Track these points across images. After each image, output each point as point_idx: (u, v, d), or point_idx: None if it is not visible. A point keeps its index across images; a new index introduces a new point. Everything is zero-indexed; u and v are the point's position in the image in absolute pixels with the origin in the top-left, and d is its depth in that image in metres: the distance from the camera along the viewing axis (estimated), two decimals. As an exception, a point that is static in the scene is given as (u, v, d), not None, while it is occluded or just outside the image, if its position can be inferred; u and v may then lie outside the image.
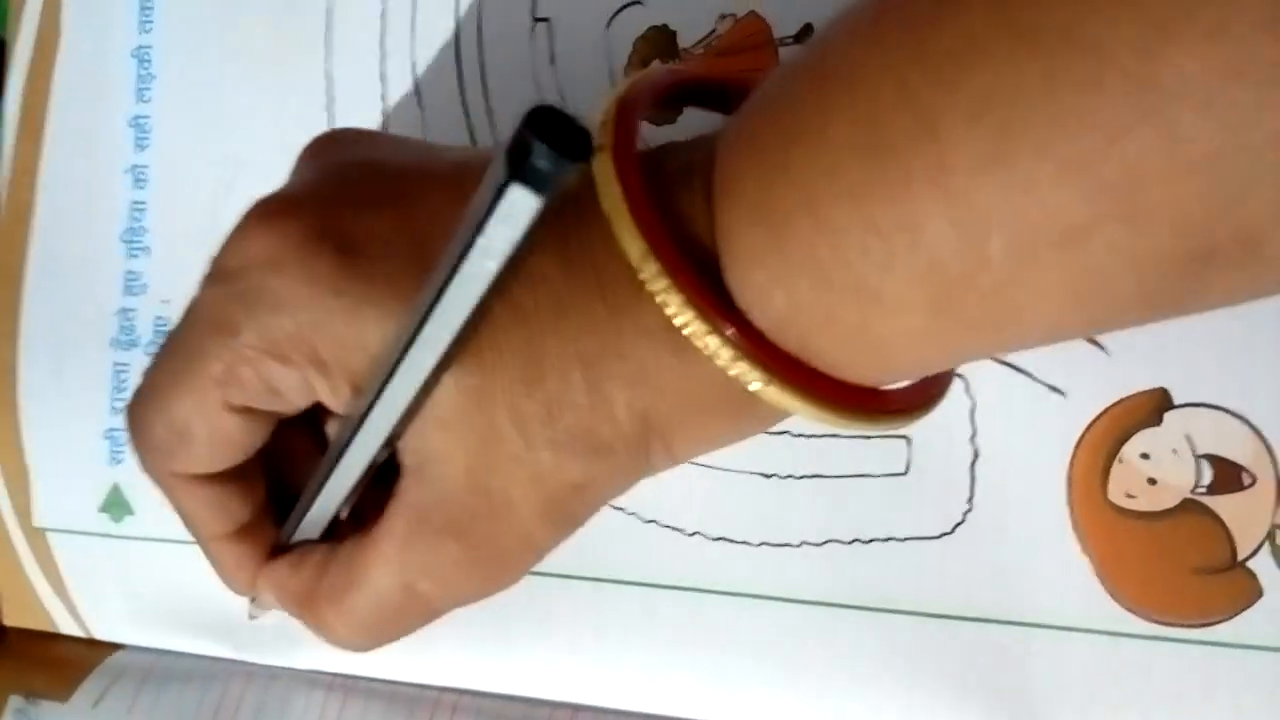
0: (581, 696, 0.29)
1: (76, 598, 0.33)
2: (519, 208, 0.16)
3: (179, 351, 0.22)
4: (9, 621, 0.34)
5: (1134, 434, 0.27)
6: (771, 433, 0.29)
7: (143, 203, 0.32)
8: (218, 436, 0.22)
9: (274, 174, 0.31)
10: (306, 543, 0.24)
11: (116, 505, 0.32)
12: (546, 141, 0.15)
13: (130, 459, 0.32)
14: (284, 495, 0.25)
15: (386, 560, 0.21)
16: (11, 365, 0.33)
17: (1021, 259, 0.16)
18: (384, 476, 0.22)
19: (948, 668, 0.27)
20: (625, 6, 0.29)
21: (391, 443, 0.21)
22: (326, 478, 0.22)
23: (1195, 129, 0.15)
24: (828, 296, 0.18)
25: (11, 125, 0.33)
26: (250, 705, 0.31)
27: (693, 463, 0.29)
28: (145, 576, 0.32)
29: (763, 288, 0.18)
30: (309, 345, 0.20)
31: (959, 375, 0.28)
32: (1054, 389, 0.27)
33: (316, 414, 0.23)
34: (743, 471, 0.29)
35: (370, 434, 0.20)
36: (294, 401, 0.21)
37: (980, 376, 0.28)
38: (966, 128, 0.16)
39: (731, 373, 0.18)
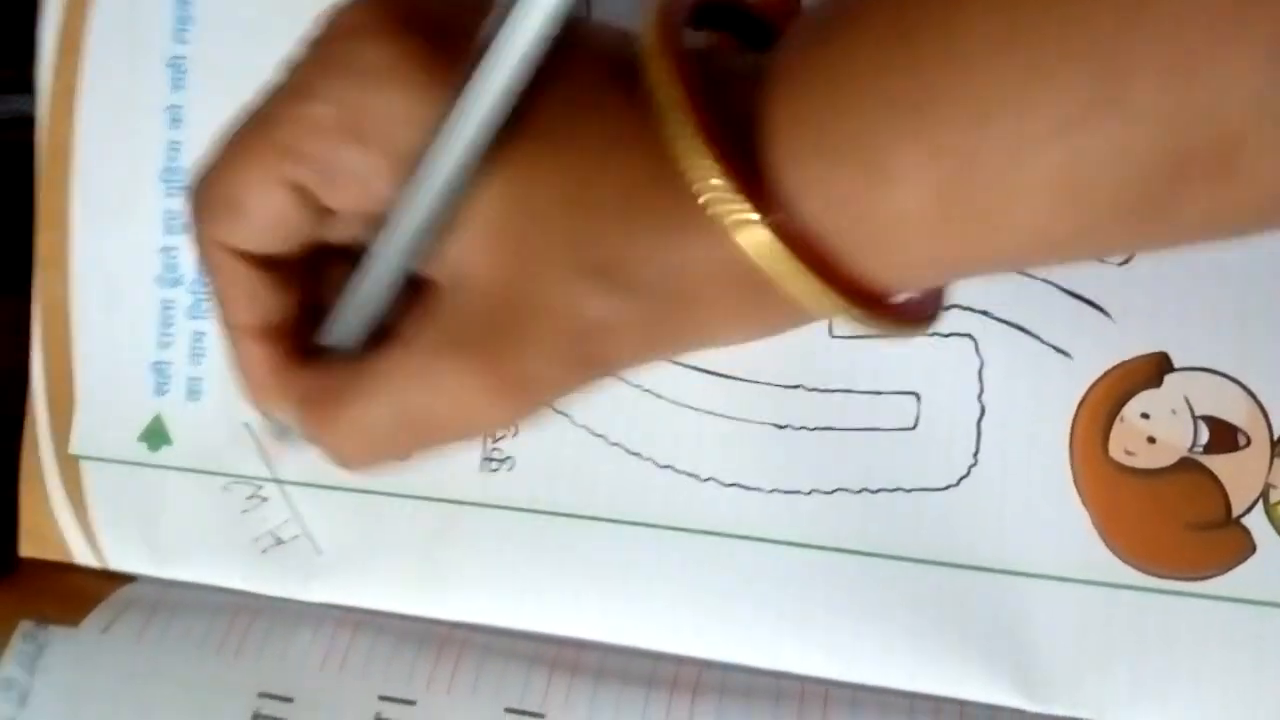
0: (592, 633, 0.30)
1: (97, 527, 0.33)
2: None
3: (251, 119, 0.22)
4: (26, 552, 0.34)
5: (1135, 394, 0.28)
6: (785, 385, 0.30)
7: (179, 142, 0.33)
8: (269, 210, 0.22)
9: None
10: (333, 357, 0.24)
11: (156, 435, 0.33)
12: None
13: (174, 391, 0.33)
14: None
15: (404, 370, 0.21)
16: (65, 299, 0.33)
17: (1020, 144, 0.17)
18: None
19: (950, 614, 0.28)
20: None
21: (425, 246, 0.21)
22: (363, 278, 0.22)
23: (1185, 30, 0.16)
24: (839, 173, 0.18)
25: (48, 64, 0.34)
26: (256, 636, 0.32)
27: (708, 411, 0.30)
28: (171, 506, 0.33)
29: (781, 162, 0.19)
30: (380, 123, 0.20)
31: (969, 336, 0.29)
32: (1059, 350, 0.28)
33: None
34: (757, 421, 0.30)
35: (408, 228, 0.20)
36: (346, 194, 0.21)
37: (989, 337, 0.29)
38: (979, 15, 0.17)
39: (742, 240, 0.19)
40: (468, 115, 0.19)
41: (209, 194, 0.22)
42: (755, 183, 0.19)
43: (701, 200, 0.19)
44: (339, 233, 0.23)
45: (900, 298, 0.21)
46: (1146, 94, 0.16)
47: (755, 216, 0.19)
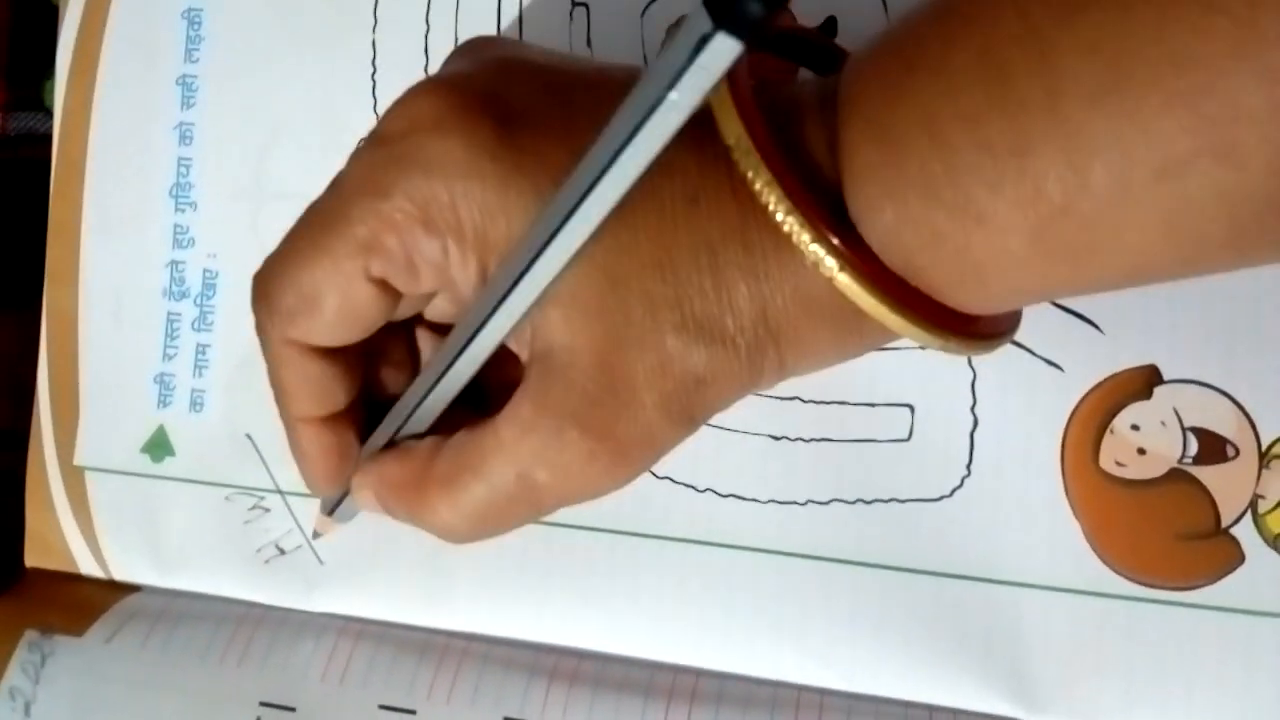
0: (590, 643, 0.30)
1: (102, 537, 0.34)
2: (721, 55, 0.16)
3: (321, 217, 0.22)
4: (31, 562, 0.34)
5: (1125, 407, 0.29)
6: (781, 397, 0.30)
7: (189, 159, 0.33)
8: (348, 306, 0.22)
9: (315, 138, 0.33)
10: (409, 439, 0.24)
11: (159, 446, 0.34)
12: None
13: (177, 403, 0.33)
14: (370, 406, 0.25)
15: (505, 447, 0.22)
16: (72, 311, 0.34)
17: (1121, 189, 0.17)
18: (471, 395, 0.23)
19: (944, 624, 0.29)
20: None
21: (519, 327, 0.21)
22: (450, 363, 0.22)
23: None
24: (935, 214, 0.19)
25: (63, 78, 0.34)
26: (259, 646, 0.32)
27: (706, 424, 0.31)
28: (174, 517, 0.33)
29: (874, 201, 0.19)
30: (455, 212, 0.21)
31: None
32: (1051, 363, 0.29)
33: (411, 326, 0.24)
34: (753, 433, 0.30)
35: (506, 313, 0.21)
36: (426, 281, 0.22)
37: (982, 351, 0.29)
38: (1081, 60, 0.17)
39: (836, 281, 0.19)
40: (581, 212, 0.19)
41: (283, 292, 0.22)
42: (845, 227, 0.19)
43: (804, 250, 0.19)
44: (402, 314, 0.24)
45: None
46: (1253, 138, 0.16)
47: (849, 263, 0.19)
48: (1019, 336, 0.29)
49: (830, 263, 0.19)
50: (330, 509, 0.28)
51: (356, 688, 0.31)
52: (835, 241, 0.19)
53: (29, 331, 0.35)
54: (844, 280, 0.19)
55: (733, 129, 0.20)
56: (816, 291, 0.20)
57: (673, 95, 0.17)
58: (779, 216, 0.19)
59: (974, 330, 0.21)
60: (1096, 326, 0.29)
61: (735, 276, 0.20)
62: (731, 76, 0.20)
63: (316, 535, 0.28)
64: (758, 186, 0.19)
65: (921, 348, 0.23)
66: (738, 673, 0.30)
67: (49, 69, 0.34)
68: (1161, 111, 0.17)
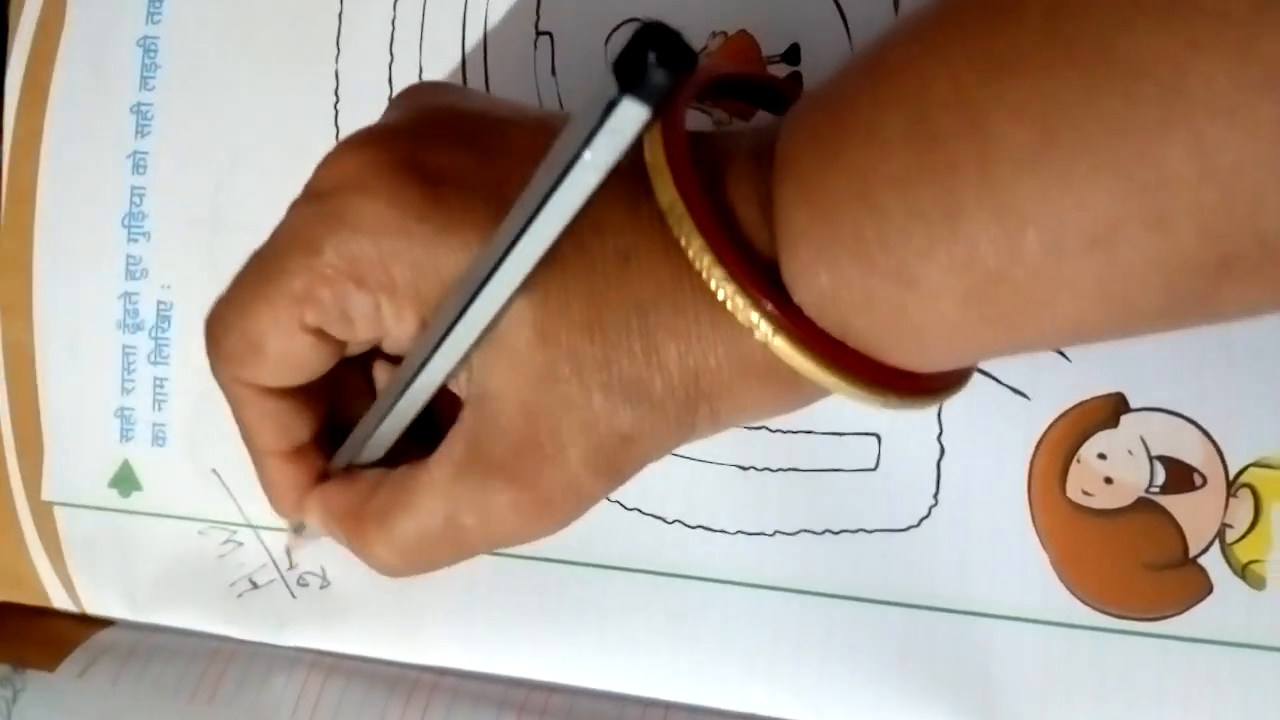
0: (560, 677, 0.30)
1: (74, 571, 0.34)
2: (629, 120, 0.16)
3: (262, 266, 0.22)
4: (3, 597, 0.34)
5: (1092, 435, 0.28)
6: (749, 428, 0.30)
7: (142, 188, 0.33)
8: (288, 353, 0.23)
9: (276, 168, 0.32)
10: (360, 469, 0.25)
11: (125, 481, 0.33)
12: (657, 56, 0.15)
13: (139, 438, 0.33)
14: (337, 430, 0.25)
15: (436, 488, 0.22)
16: (29, 345, 0.34)
17: (1054, 255, 0.17)
18: (421, 428, 0.23)
19: (913, 655, 0.29)
20: (623, 23, 0.31)
21: (455, 373, 0.22)
22: (391, 404, 0.23)
23: (1220, 138, 0.16)
24: (869, 280, 0.19)
25: (12, 106, 0.34)
26: (231, 682, 0.32)
27: (674, 454, 0.30)
28: (145, 552, 0.33)
29: (808, 265, 0.19)
30: (386, 270, 0.21)
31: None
32: (1017, 391, 0.29)
33: (369, 357, 0.24)
34: (721, 463, 0.30)
35: (441, 361, 0.21)
36: (362, 331, 0.22)
37: (949, 378, 0.29)
38: (1011, 125, 0.17)
39: (771, 345, 0.19)
40: (513, 254, 0.19)
41: (228, 338, 0.23)
42: (779, 291, 0.19)
43: (738, 315, 0.19)
44: (354, 353, 0.24)
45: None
46: (1183, 205, 0.16)
47: (783, 326, 0.19)
48: (985, 365, 0.29)
49: (765, 328, 0.19)
50: (299, 528, 0.29)
51: (328, 723, 0.31)
52: (769, 307, 0.19)
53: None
54: (779, 344, 0.19)
55: (666, 193, 0.20)
56: (751, 353, 0.20)
57: (586, 155, 0.17)
58: (713, 283, 0.19)
59: (917, 387, 0.20)
60: (1063, 354, 0.28)
61: (665, 338, 0.20)
62: (667, 133, 0.20)
63: (289, 554, 0.29)
64: (691, 252, 0.19)
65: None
66: (707, 705, 0.30)
67: (2, 97, 0.34)
68: (1091, 178, 0.16)
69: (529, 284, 0.20)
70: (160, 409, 0.33)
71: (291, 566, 0.32)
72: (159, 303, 0.33)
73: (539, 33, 0.31)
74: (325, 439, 0.26)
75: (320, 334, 0.22)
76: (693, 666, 0.30)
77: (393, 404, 0.23)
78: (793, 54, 0.30)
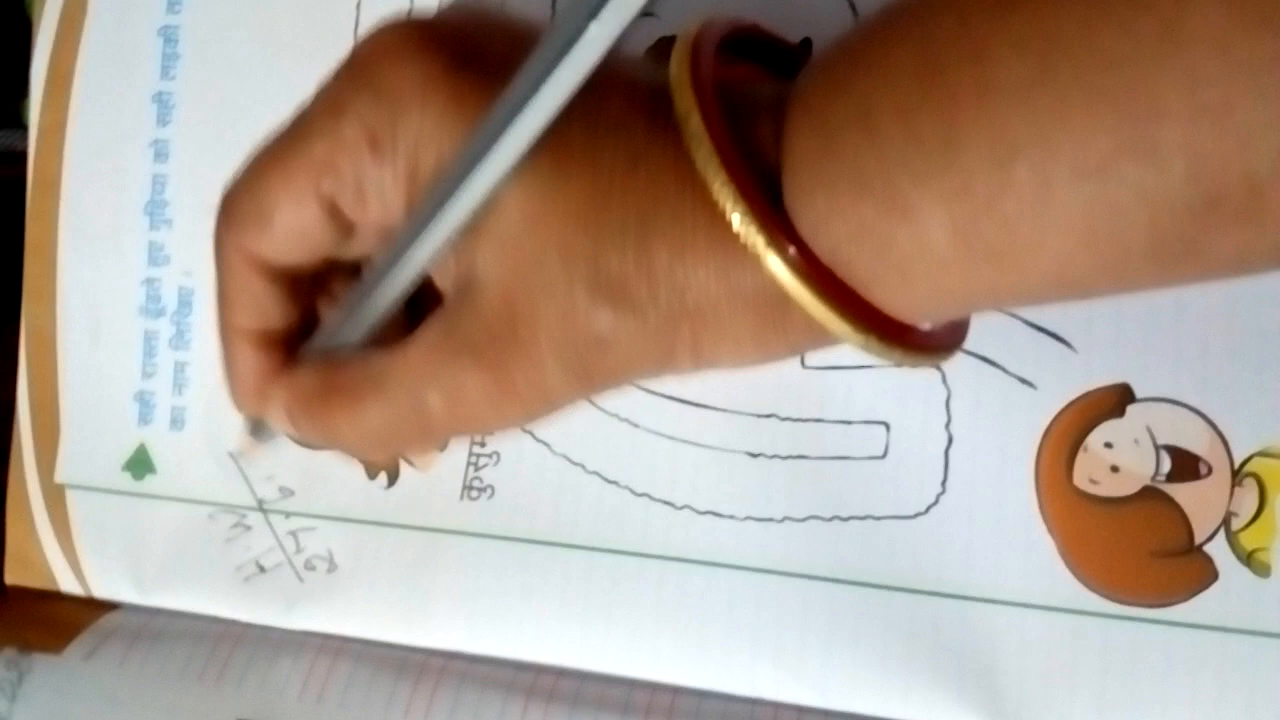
0: (568, 660, 0.30)
1: (82, 554, 0.34)
2: (627, 5, 0.16)
3: (285, 133, 0.23)
4: (11, 580, 0.34)
5: (1098, 424, 0.29)
6: (758, 414, 0.30)
7: (165, 176, 0.33)
8: (297, 223, 0.22)
9: (293, 154, 0.32)
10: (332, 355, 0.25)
11: (140, 464, 0.34)
12: None
13: (158, 421, 0.33)
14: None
15: (406, 367, 0.22)
16: (51, 329, 0.34)
17: (1043, 186, 0.17)
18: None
19: (920, 641, 0.29)
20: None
21: (440, 256, 0.22)
22: (373, 286, 0.23)
23: (1214, 73, 0.16)
24: (862, 206, 0.19)
25: (37, 96, 0.34)
26: (238, 665, 0.32)
27: (683, 440, 0.31)
28: (154, 535, 0.33)
29: (807, 189, 0.19)
30: (399, 139, 0.21)
31: (936, 367, 0.30)
32: (1024, 381, 0.29)
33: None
34: (730, 450, 0.30)
35: (428, 242, 0.21)
36: (373, 209, 0.22)
37: (955, 369, 0.29)
38: (1010, 54, 0.17)
39: (764, 262, 0.19)
40: (504, 139, 0.19)
41: (240, 202, 0.23)
42: (779, 213, 0.20)
43: (733, 225, 0.19)
44: (354, 250, 0.24)
45: (923, 327, 0.21)
46: (1173, 139, 0.16)
47: (777, 246, 0.19)
48: (991, 354, 0.30)
49: (760, 242, 0.19)
50: (255, 430, 0.28)
51: (334, 705, 0.31)
52: (765, 222, 0.19)
53: (8, 349, 0.35)
54: (771, 261, 0.19)
55: (685, 101, 0.20)
56: (742, 275, 0.20)
57: (594, 27, 0.17)
58: (715, 189, 0.19)
59: (901, 335, 0.21)
60: (1069, 344, 0.29)
61: (659, 245, 0.20)
62: (695, 58, 0.21)
63: (241, 455, 0.28)
64: (699, 160, 0.20)
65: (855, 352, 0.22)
66: (714, 690, 0.30)
67: (28, 86, 0.34)
68: (1085, 109, 0.17)
69: (527, 171, 0.20)
70: (181, 393, 0.33)
71: (248, 464, 0.32)
72: (180, 288, 0.33)
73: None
74: (296, 343, 0.25)
75: (333, 208, 0.22)
76: (700, 651, 0.30)
77: (375, 285, 0.23)
78: (804, 49, 0.30)
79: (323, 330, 0.25)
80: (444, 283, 0.23)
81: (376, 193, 0.22)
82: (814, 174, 0.19)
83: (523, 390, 0.22)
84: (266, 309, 0.24)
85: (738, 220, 0.19)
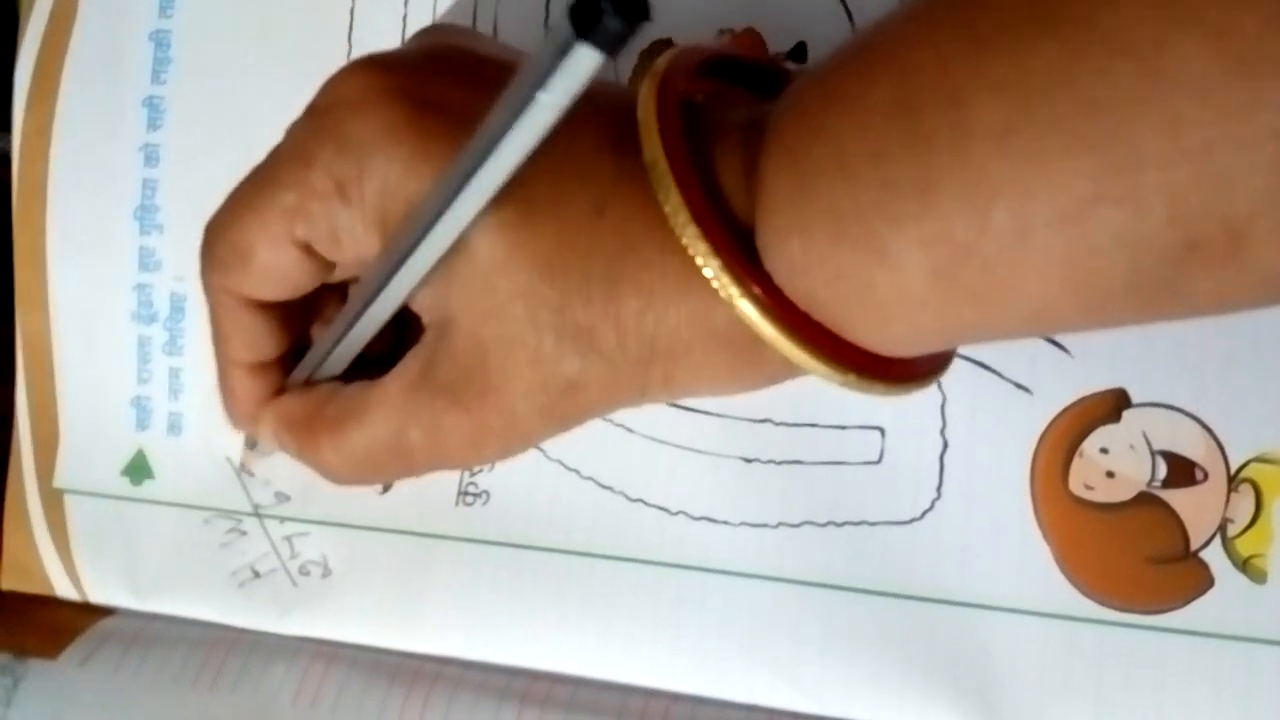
0: (563, 667, 0.30)
1: (79, 560, 0.34)
2: (583, 63, 0.17)
3: (259, 178, 0.23)
4: (7, 585, 0.34)
5: (1094, 430, 0.29)
6: (753, 419, 0.30)
7: (155, 181, 0.33)
8: (275, 265, 0.23)
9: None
10: (317, 383, 0.26)
11: (138, 469, 0.34)
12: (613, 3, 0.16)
13: (155, 426, 0.33)
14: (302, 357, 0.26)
15: (388, 401, 0.23)
16: (45, 336, 0.34)
17: (1022, 231, 0.17)
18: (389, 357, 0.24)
19: (915, 647, 0.29)
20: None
21: (411, 297, 0.22)
22: (350, 322, 0.23)
23: (1194, 118, 0.16)
24: (839, 250, 0.19)
25: (22, 99, 0.34)
26: (232, 671, 0.32)
27: (678, 445, 0.31)
28: (152, 540, 0.33)
29: (782, 232, 0.19)
30: (361, 188, 0.22)
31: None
32: (1020, 386, 0.29)
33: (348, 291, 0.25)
34: (725, 455, 0.30)
35: (397, 283, 0.22)
36: (349, 250, 0.23)
37: (951, 373, 0.29)
38: (989, 99, 0.17)
39: (736, 307, 0.19)
40: (469, 187, 0.20)
41: (220, 244, 0.24)
42: (751, 259, 0.20)
43: (705, 272, 0.19)
44: (340, 276, 0.24)
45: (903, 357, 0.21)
46: (1152, 185, 0.16)
47: (750, 295, 0.19)
48: (988, 359, 0.29)
49: (732, 289, 0.19)
50: (253, 444, 0.29)
51: (328, 711, 0.31)
52: (739, 269, 0.19)
53: (5, 355, 0.35)
54: (744, 307, 0.19)
55: (651, 149, 0.20)
56: (714, 317, 0.20)
57: (542, 96, 0.18)
58: (684, 239, 0.19)
59: (881, 370, 0.20)
60: (1065, 350, 0.29)
61: (627, 292, 0.21)
62: (661, 93, 0.20)
63: (244, 466, 0.29)
64: (668, 208, 0.20)
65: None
66: (710, 696, 0.30)
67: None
68: (1063, 155, 0.17)
69: (495, 216, 0.20)
70: (177, 399, 0.33)
71: (251, 475, 0.32)
72: (173, 294, 0.33)
73: (550, 28, 0.31)
74: (290, 363, 0.26)
75: (308, 250, 0.23)
76: (695, 657, 0.30)
77: (351, 322, 0.24)
78: (799, 52, 0.30)
79: (309, 357, 0.25)
80: (424, 315, 0.23)
81: (349, 235, 0.22)
82: (790, 217, 0.19)
83: (497, 430, 0.22)
84: (258, 341, 0.25)
85: (709, 268, 0.19)
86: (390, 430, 0.23)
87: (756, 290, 0.19)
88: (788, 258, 0.19)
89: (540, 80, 0.17)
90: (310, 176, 0.22)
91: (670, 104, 0.20)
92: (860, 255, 0.19)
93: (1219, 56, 0.16)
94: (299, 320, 0.26)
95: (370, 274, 0.23)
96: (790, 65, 0.30)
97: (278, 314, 0.25)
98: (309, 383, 0.26)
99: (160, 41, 0.33)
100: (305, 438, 0.25)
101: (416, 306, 0.23)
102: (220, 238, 0.24)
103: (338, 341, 0.24)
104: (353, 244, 0.23)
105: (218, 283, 0.24)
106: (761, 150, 0.20)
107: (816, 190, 0.19)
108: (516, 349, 0.21)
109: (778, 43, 0.30)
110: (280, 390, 0.26)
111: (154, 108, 0.33)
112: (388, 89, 0.22)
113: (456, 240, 0.21)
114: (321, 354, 0.25)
